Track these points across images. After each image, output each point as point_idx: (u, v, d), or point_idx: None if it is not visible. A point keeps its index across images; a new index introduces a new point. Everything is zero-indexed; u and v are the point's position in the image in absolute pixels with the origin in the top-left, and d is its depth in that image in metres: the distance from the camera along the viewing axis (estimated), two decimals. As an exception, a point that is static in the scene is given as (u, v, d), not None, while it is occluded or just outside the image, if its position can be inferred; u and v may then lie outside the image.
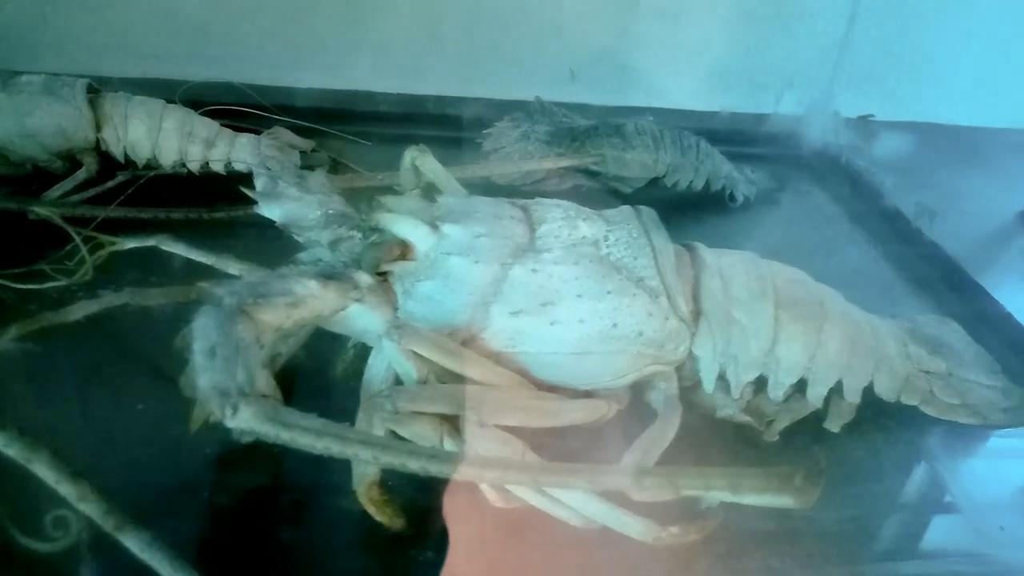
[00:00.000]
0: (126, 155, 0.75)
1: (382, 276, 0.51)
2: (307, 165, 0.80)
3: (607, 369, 0.50)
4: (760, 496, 0.41)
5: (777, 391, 0.55)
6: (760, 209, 0.87)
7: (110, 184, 0.72)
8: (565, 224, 0.52)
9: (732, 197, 0.86)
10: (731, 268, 0.56)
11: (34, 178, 0.73)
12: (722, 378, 0.54)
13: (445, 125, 0.95)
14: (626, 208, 0.56)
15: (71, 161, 0.74)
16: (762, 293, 0.55)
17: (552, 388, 0.51)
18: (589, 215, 0.54)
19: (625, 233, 0.53)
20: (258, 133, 0.80)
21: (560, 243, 0.51)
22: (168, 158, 0.75)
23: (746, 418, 0.55)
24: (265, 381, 0.43)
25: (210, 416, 0.41)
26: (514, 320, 0.49)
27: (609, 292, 0.50)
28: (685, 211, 0.85)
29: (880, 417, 0.58)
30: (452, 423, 0.45)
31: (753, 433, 0.56)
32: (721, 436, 0.56)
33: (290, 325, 0.48)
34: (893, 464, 0.57)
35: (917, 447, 0.58)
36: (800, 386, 0.56)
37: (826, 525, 0.50)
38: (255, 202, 0.71)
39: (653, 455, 0.48)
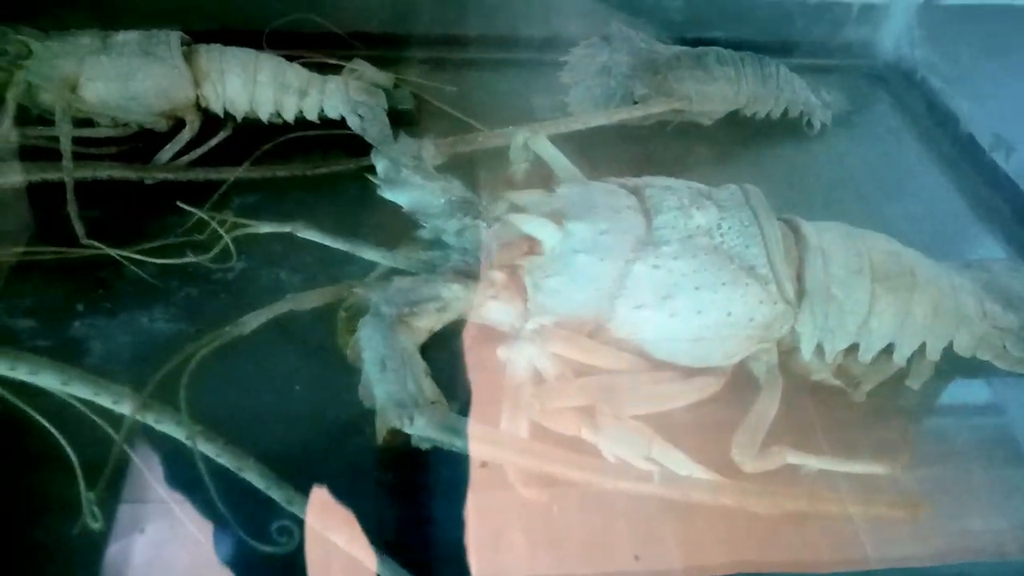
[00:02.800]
0: (225, 110, 0.76)
1: (511, 267, 0.55)
2: (393, 107, 0.81)
3: (720, 351, 0.56)
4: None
5: (867, 355, 0.60)
6: (835, 135, 0.88)
7: (214, 141, 0.75)
8: (680, 214, 0.56)
9: (810, 124, 0.87)
10: (831, 245, 0.59)
11: (139, 137, 0.75)
12: (817, 347, 0.59)
13: (504, 46, 0.95)
14: (734, 189, 0.59)
15: (173, 119, 0.76)
16: (860, 269, 0.59)
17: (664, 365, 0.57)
18: (701, 201, 0.57)
19: (737, 221, 0.56)
20: (334, 67, 0.81)
21: (677, 235, 0.55)
22: (265, 111, 0.77)
23: (837, 381, 0.61)
24: (431, 388, 0.49)
25: (392, 426, 0.47)
26: (637, 313, 0.53)
27: (724, 284, 0.54)
28: (761, 141, 0.86)
29: (954, 371, 0.64)
30: (589, 413, 0.51)
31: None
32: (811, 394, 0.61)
33: (439, 328, 0.53)
34: (968, 418, 0.63)
35: (989, 399, 0.64)
36: (887, 349, 0.61)
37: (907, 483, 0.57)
38: (355, 155, 0.76)
39: (762, 429, 0.54)
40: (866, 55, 0.98)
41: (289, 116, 0.78)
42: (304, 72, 0.78)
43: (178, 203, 0.64)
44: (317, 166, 0.74)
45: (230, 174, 0.69)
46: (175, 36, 0.74)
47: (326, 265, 0.64)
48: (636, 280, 0.53)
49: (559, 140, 0.68)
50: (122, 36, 0.73)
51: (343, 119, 0.78)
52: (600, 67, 0.83)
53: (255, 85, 0.76)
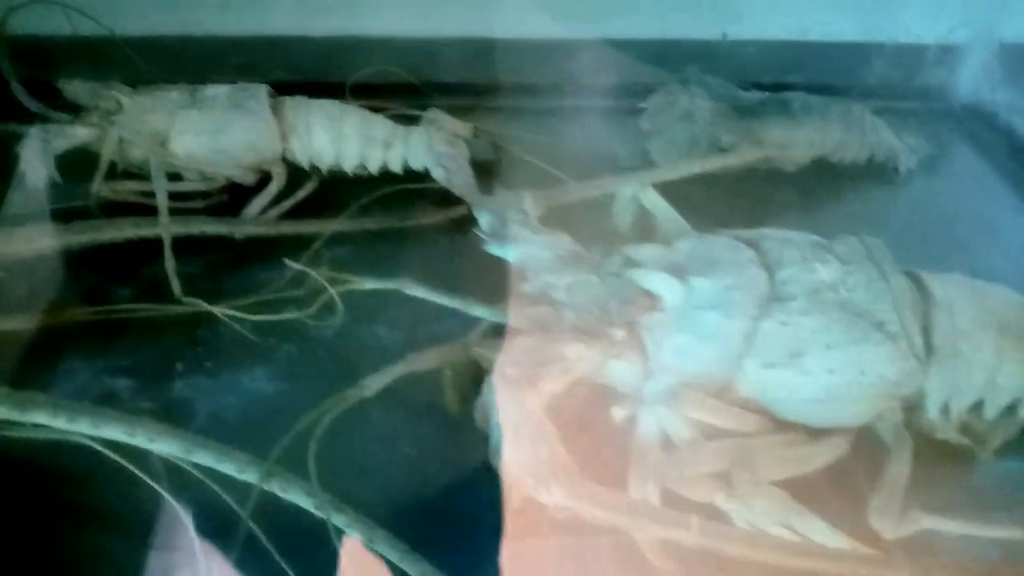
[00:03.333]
0: (311, 163, 0.76)
1: (630, 325, 0.54)
2: (474, 158, 0.80)
3: (850, 411, 0.53)
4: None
5: (992, 411, 0.58)
6: (921, 179, 0.87)
7: (302, 194, 0.75)
8: (803, 268, 0.54)
9: (896, 169, 0.86)
10: (956, 298, 0.57)
11: (226, 190, 0.75)
12: (942, 404, 0.57)
13: (579, 94, 0.94)
14: (854, 242, 0.57)
15: (259, 173, 0.75)
16: (986, 324, 0.56)
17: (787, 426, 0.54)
18: (822, 255, 0.55)
19: (863, 275, 0.54)
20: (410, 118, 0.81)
21: (803, 289, 0.53)
22: (350, 163, 0.76)
23: (964, 440, 0.58)
24: (565, 455, 0.47)
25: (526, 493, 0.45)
26: (766, 372, 0.51)
27: (855, 341, 0.52)
28: (848, 187, 0.85)
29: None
30: (723, 479, 0.49)
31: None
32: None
33: (562, 390, 0.51)
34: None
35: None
36: (1012, 404, 0.59)
37: None
38: (440, 207, 0.75)
39: (899, 492, 0.51)
40: (944, 98, 0.97)
41: (374, 168, 0.77)
42: (388, 124, 0.78)
43: (285, 260, 0.63)
44: (407, 218, 0.73)
45: (326, 227, 0.68)
46: (263, 89, 0.74)
47: (423, 321, 0.63)
48: (765, 338, 0.51)
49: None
50: (211, 90, 0.73)
51: (426, 171, 0.78)
52: (681, 114, 0.83)
53: (341, 138, 0.75)
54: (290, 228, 0.70)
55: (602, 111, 0.92)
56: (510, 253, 0.58)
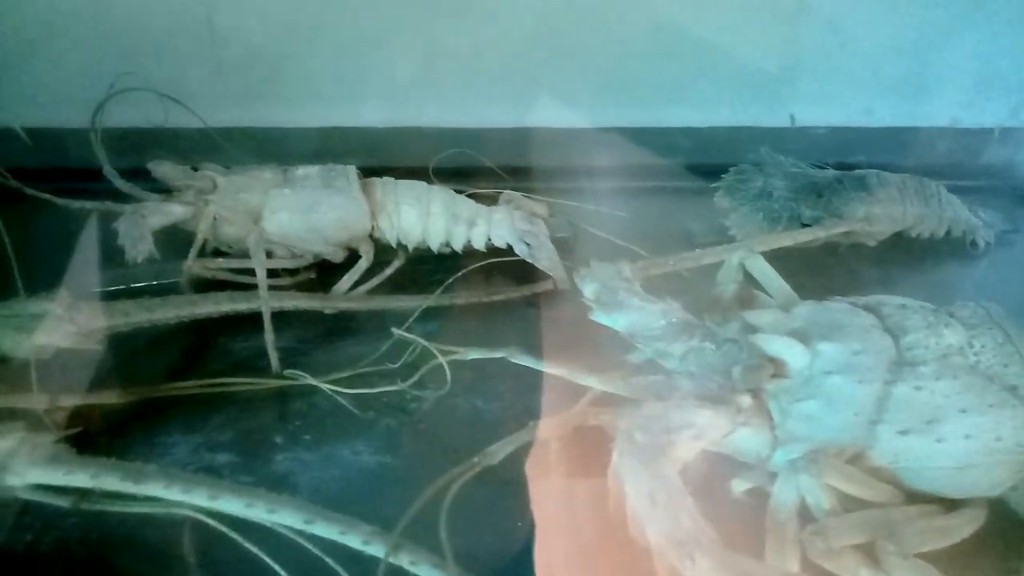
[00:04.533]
0: (398, 240, 0.77)
1: (754, 392, 0.52)
2: (552, 236, 0.80)
3: (986, 479, 0.51)
4: None
5: None
6: (999, 253, 0.86)
7: (389, 271, 0.75)
8: (929, 332, 0.53)
9: (974, 243, 0.85)
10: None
11: (313, 268, 0.75)
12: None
13: (649, 174, 0.96)
14: (973, 307, 0.56)
15: (347, 249, 0.76)
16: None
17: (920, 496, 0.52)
18: (946, 319, 0.54)
19: (990, 339, 0.53)
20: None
21: (931, 354, 0.52)
22: (436, 240, 0.77)
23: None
24: (705, 523, 0.44)
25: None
26: (901, 439, 0.49)
27: (991, 405, 0.50)
28: (927, 261, 0.84)
29: None
30: (867, 552, 0.46)
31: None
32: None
33: (691, 457, 0.49)
34: None
35: None
36: None
37: None
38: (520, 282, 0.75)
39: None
40: (1010, 175, 0.98)
41: (458, 245, 0.78)
42: (472, 203, 0.79)
43: (394, 330, 0.63)
44: (494, 293, 0.73)
45: (419, 302, 0.68)
46: (352, 170, 0.76)
47: (521, 392, 0.62)
48: (898, 403, 0.50)
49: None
50: (302, 170, 0.75)
51: (509, 247, 0.78)
52: (758, 191, 0.83)
53: (428, 216, 0.76)
54: (382, 303, 0.69)
55: (672, 192, 0.93)
56: (618, 321, 0.57)
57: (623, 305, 0.57)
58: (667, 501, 0.44)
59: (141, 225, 0.67)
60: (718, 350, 0.54)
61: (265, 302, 0.64)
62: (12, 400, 0.57)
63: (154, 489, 0.47)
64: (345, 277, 0.72)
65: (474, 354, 0.59)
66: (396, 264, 0.75)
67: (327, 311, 0.70)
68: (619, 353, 0.59)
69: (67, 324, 0.59)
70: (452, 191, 0.78)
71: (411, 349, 0.63)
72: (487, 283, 0.76)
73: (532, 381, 0.61)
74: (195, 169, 0.75)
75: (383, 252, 0.77)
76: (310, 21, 0.90)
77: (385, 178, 0.77)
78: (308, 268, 0.75)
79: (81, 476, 0.47)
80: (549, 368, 0.57)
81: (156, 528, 0.51)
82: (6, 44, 0.91)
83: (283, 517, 0.45)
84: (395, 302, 0.70)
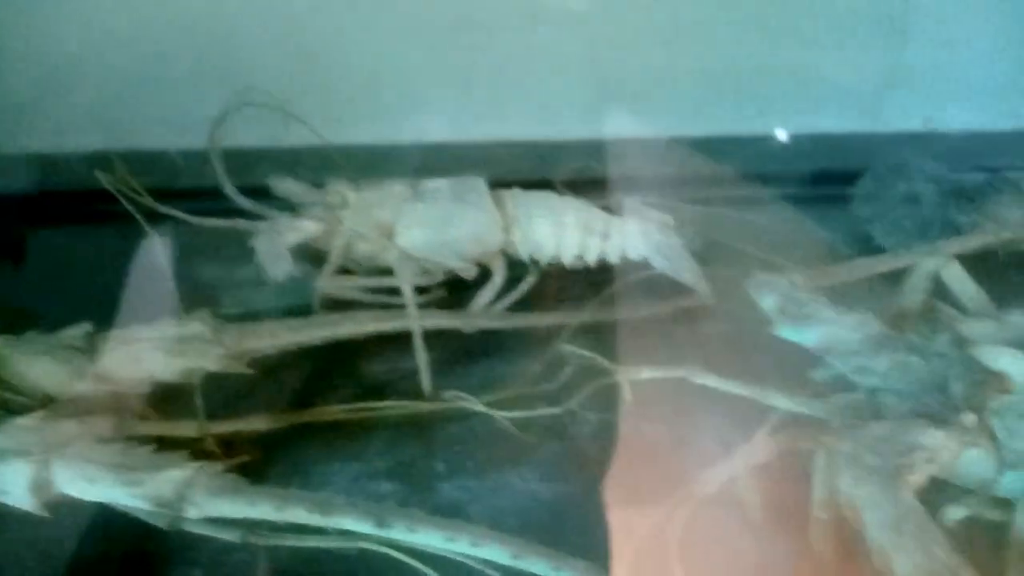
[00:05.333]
0: (530, 254, 0.73)
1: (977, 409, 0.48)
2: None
3: None
4: None
5: None
6: None
7: (525, 287, 0.71)
8: None
9: None
10: None
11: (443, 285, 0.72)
12: None
13: (775, 182, 0.91)
14: None
15: (479, 265, 0.72)
16: None
17: None
18: None
19: None
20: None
21: None
22: (570, 254, 0.73)
23: None
24: (957, 556, 0.40)
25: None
26: None
27: None
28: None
29: None
30: None
31: None
32: None
33: (922, 483, 0.45)
34: None
35: None
36: None
37: None
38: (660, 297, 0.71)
39: None
40: None
41: (592, 259, 0.74)
42: (603, 214, 0.75)
43: (563, 347, 0.59)
44: (641, 309, 0.69)
45: (565, 319, 0.65)
46: (481, 182, 0.73)
47: (685, 413, 0.58)
48: None
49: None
50: (431, 184, 0.72)
51: (645, 260, 0.74)
52: (902, 197, 0.79)
53: (562, 228, 0.73)
54: (529, 321, 0.66)
55: (800, 200, 0.88)
56: (808, 335, 0.53)
57: (813, 317, 0.53)
58: (915, 531, 0.40)
59: (278, 243, 0.65)
60: (927, 365, 0.50)
61: (416, 321, 0.61)
62: (163, 427, 0.55)
63: (344, 522, 0.43)
64: (481, 294, 0.69)
65: (649, 373, 0.55)
66: (531, 280, 0.72)
67: (466, 330, 0.67)
68: (779, 369, 0.56)
69: (216, 347, 0.56)
70: (584, 202, 0.75)
71: (567, 369, 0.59)
72: (623, 299, 0.72)
73: (697, 401, 0.57)
74: (319, 186, 0.72)
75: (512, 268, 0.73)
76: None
77: (514, 189, 0.74)
78: (438, 286, 0.72)
79: (264, 508, 0.44)
80: (734, 388, 0.53)
81: (334, 563, 0.48)
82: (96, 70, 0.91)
83: (488, 552, 0.42)
84: (541, 319, 0.66)
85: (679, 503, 0.45)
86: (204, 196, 0.73)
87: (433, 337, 0.65)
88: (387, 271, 0.71)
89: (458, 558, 0.43)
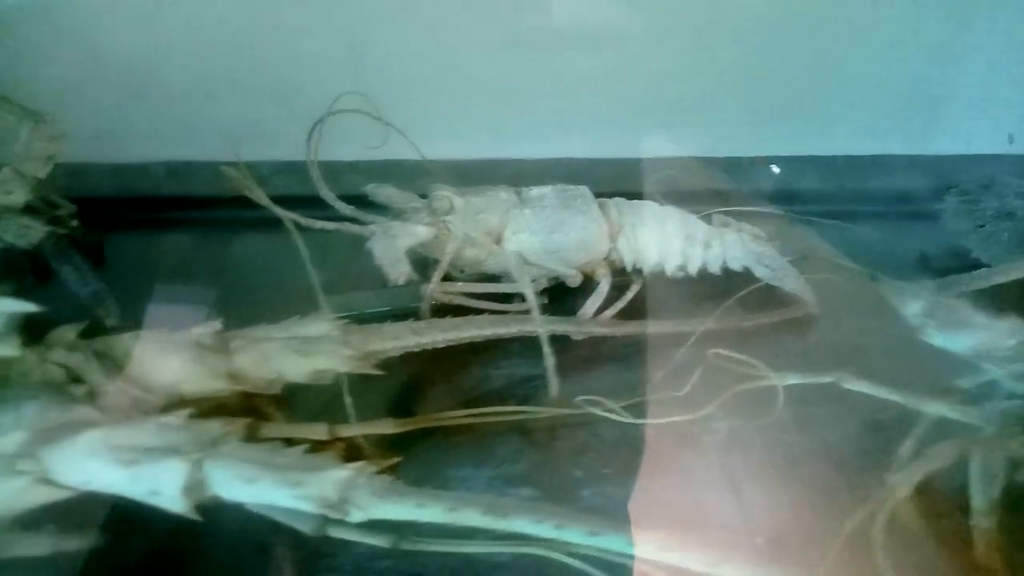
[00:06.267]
0: (634, 263, 0.72)
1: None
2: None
3: None
4: None
5: None
6: None
7: (630, 294, 0.70)
8: None
9: None
10: None
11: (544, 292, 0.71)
12: None
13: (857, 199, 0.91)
14: None
15: (583, 274, 0.71)
16: None
17: None
18: None
19: None
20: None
21: None
22: (672, 263, 0.72)
23: None
24: None
25: None
26: None
27: None
28: None
29: None
30: None
31: None
32: None
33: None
34: None
35: None
36: None
37: None
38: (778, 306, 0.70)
39: None
40: None
41: (693, 268, 0.73)
42: (704, 224, 0.74)
43: (713, 352, 0.58)
44: (749, 318, 0.68)
45: (678, 327, 0.64)
46: (587, 190, 0.72)
47: (818, 422, 0.57)
48: None
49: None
50: (536, 191, 0.71)
51: (746, 270, 0.73)
52: (995, 212, 0.78)
53: (665, 237, 0.72)
54: (639, 328, 0.65)
55: (882, 216, 0.88)
56: (961, 342, 0.52)
57: (965, 324, 0.52)
58: None
59: (395, 247, 0.63)
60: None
61: (541, 325, 0.59)
62: (290, 430, 0.53)
63: (521, 525, 0.41)
64: (589, 301, 0.68)
65: (794, 379, 0.54)
66: (635, 288, 0.71)
67: (575, 337, 0.65)
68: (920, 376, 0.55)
69: (344, 348, 0.55)
70: (685, 211, 0.74)
71: (697, 374, 0.58)
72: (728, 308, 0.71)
73: (825, 410, 0.56)
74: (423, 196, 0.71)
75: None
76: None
77: (616, 198, 0.73)
78: (540, 294, 0.70)
79: (434, 510, 0.42)
80: (886, 394, 0.52)
81: (493, 569, 0.46)
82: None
83: (688, 559, 0.40)
84: (655, 327, 0.65)
85: (870, 506, 0.43)
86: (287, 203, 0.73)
87: (532, 343, 0.64)
88: (491, 277, 0.70)
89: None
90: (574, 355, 0.65)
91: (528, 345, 0.63)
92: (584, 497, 0.52)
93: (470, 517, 0.42)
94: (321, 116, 0.71)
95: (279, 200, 0.72)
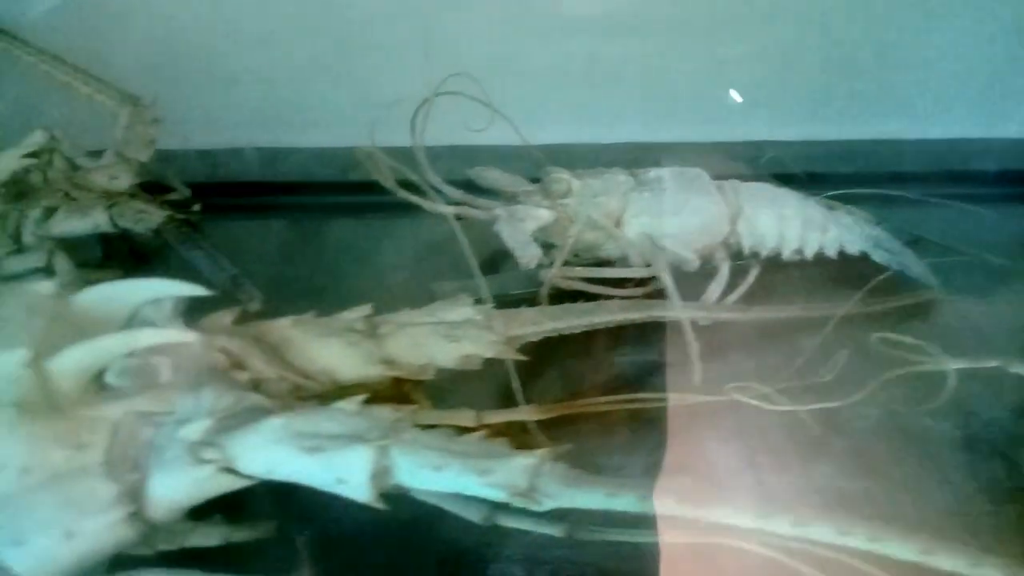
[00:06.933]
0: (751, 247, 0.71)
1: None
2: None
3: None
4: None
5: None
6: None
7: (751, 279, 0.69)
8: None
9: None
10: None
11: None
12: None
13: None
14: None
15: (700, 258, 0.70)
16: None
17: None
18: None
19: None
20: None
21: None
22: (789, 247, 0.71)
23: None
24: None
25: None
26: None
27: None
28: None
29: None
30: None
31: None
32: None
33: None
34: None
35: None
36: None
37: None
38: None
39: None
40: None
41: (810, 252, 0.72)
42: (820, 206, 0.73)
43: (879, 336, 0.56)
44: (872, 303, 0.66)
45: (807, 312, 0.62)
46: (703, 172, 0.70)
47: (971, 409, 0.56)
48: None
49: None
50: (653, 173, 0.69)
51: (863, 255, 0.72)
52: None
53: (783, 220, 0.70)
54: (764, 314, 0.63)
55: (979, 200, 0.86)
56: None
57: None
58: None
59: (522, 230, 0.62)
60: None
61: (683, 311, 0.58)
62: (438, 416, 0.52)
63: (720, 513, 0.40)
64: (711, 286, 0.67)
65: (959, 363, 0.52)
66: (755, 272, 0.69)
67: (702, 323, 0.64)
68: None
69: (489, 333, 0.53)
70: (802, 194, 0.72)
71: (842, 358, 0.57)
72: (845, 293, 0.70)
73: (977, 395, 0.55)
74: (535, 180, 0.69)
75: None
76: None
77: (731, 180, 0.72)
78: (653, 278, 0.69)
79: (626, 499, 0.41)
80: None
81: (668, 558, 0.45)
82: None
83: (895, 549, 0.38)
84: (785, 312, 0.64)
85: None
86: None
87: (649, 329, 0.62)
88: (605, 262, 0.69)
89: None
90: (700, 341, 0.63)
91: (642, 331, 0.61)
92: (742, 487, 0.51)
93: (664, 506, 0.41)
94: (427, 97, 0.70)
95: (366, 186, 0.71)
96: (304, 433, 0.41)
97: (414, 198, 0.65)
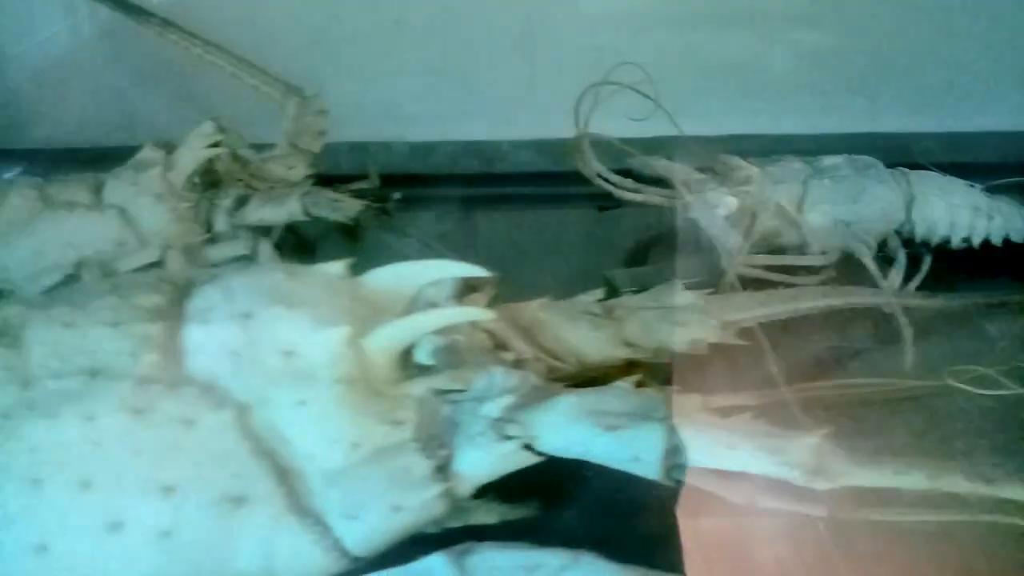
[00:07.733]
0: (923, 235, 0.71)
1: None
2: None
3: None
4: None
5: None
6: None
7: (925, 268, 0.69)
8: None
9: None
10: None
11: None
12: None
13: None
14: None
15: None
16: None
17: None
18: None
19: None
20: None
21: None
22: (959, 235, 0.71)
23: None
24: None
25: None
26: None
27: None
28: None
29: None
30: None
31: None
32: None
33: None
34: None
35: None
36: None
37: None
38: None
39: None
40: None
41: (977, 240, 0.72)
42: (984, 194, 0.73)
43: None
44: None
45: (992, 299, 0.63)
46: (876, 160, 0.71)
47: None
48: None
49: None
50: (828, 160, 0.70)
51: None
52: None
53: (952, 208, 0.71)
54: (950, 302, 0.63)
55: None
56: None
57: None
58: None
59: (717, 216, 0.63)
60: None
61: (894, 298, 0.59)
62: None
63: (1010, 491, 0.41)
64: (892, 273, 0.67)
65: None
66: (928, 260, 0.69)
67: (887, 310, 0.64)
68: None
69: (710, 318, 0.54)
70: (970, 182, 0.73)
71: None
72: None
73: None
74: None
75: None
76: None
77: (901, 168, 0.72)
78: (830, 267, 0.69)
79: (915, 477, 0.41)
80: None
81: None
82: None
83: None
84: (971, 299, 0.64)
85: None
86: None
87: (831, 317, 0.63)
88: (776, 250, 0.69)
89: None
90: (885, 329, 0.64)
91: (830, 317, 0.62)
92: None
93: (954, 483, 0.41)
94: (591, 84, 0.70)
95: (518, 177, 0.71)
96: (599, 411, 0.41)
97: (608, 185, 0.65)
